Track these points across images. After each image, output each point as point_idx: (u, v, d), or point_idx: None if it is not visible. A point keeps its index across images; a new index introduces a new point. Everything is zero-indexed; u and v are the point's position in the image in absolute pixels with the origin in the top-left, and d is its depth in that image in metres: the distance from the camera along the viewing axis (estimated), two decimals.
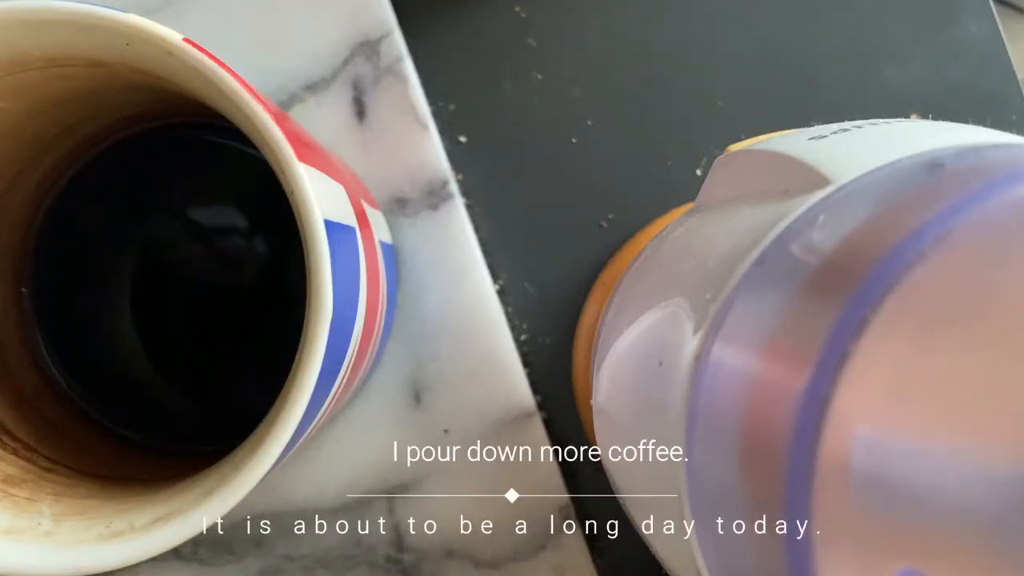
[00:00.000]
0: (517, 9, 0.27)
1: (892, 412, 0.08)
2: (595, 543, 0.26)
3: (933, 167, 0.10)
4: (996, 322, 0.08)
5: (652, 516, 0.13)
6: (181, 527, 0.15)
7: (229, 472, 0.15)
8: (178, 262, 0.22)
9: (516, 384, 0.26)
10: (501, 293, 0.27)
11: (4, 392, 0.21)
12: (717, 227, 0.14)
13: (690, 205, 0.22)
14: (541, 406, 0.26)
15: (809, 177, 0.12)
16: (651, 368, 0.13)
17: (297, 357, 0.15)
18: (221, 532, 0.25)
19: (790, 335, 0.10)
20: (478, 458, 0.26)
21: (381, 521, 0.26)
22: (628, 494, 0.15)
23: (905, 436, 0.08)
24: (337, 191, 0.17)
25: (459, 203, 0.26)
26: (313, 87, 0.26)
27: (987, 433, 0.08)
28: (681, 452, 0.11)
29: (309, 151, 0.16)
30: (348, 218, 0.17)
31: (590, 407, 0.17)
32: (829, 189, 0.11)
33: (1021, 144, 0.11)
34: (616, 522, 0.26)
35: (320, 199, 0.15)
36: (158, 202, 0.22)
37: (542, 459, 0.26)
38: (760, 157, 0.14)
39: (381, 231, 0.23)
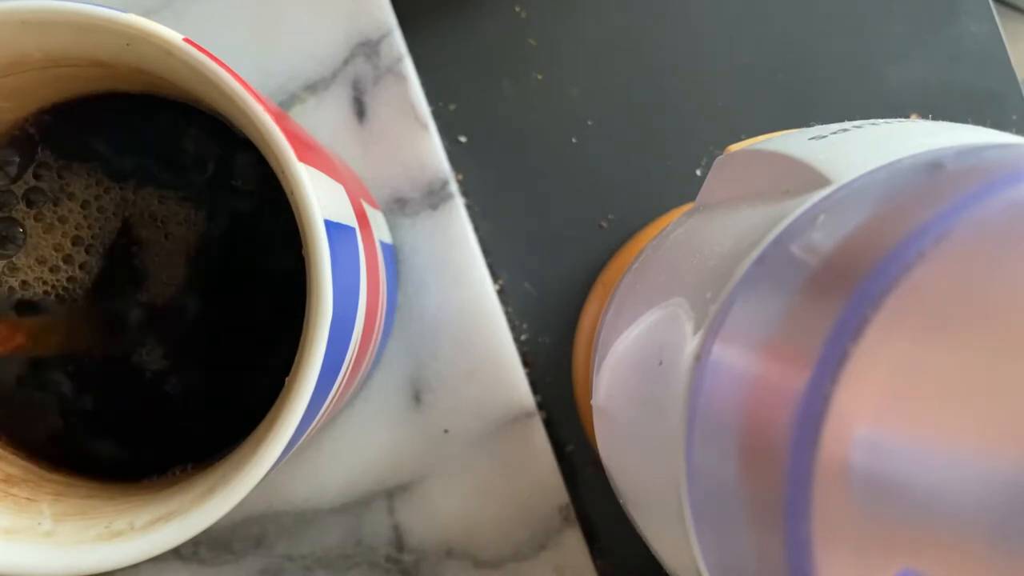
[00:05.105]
0: (517, 9, 0.27)
1: (892, 412, 0.08)
2: (595, 543, 0.26)
3: (933, 167, 0.10)
4: (996, 322, 0.08)
5: (652, 516, 0.13)
6: (181, 527, 0.15)
7: (229, 472, 0.15)
8: (176, 261, 0.22)
9: (516, 384, 0.26)
10: (501, 293, 0.27)
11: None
12: (717, 227, 0.14)
13: (690, 205, 0.22)
14: (541, 406, 0.26)
15: (809, 177, 0.12)
16: (651, 368, 0.13)
17: (297, 357, 0.15)
18: (221, 532, 0.25)
19: (790, 335, 0.10)
20: (478, 458, 0.26)
21: (381, 521, 0.26)
22: (628, 494, 0.15)
23: (905, 436, 0.08)
24: (337, 191, 0.17)
25: (459, 203, 0.26)
26: (313, 87, 0.26)
27: (987, 433, 0.08)
28: (681, 452, 0.11)
29: (309, 151, 0.16)
30: (348, 218, 0.17)
31: (590, 407, 0.17)
32: (829, 189, 0.11)
33: (1021, 144, 0.11)
34: (616, 522, 0.26)
35: (320, 199, 0.15)
36: (153, 199, 0.22)
37: (542, 459, 0.26)
38: (760, 157, 0.14)
39: (381, 231, 0.23)
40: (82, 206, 0.20)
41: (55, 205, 0.20)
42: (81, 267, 0.20)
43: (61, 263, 0.20)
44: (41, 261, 0.20)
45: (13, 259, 0.20)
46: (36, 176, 0.20)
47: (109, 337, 0.21)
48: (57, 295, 0.20)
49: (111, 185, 0.20)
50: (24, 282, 0.20)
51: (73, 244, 0.20)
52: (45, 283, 0.20)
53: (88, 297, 0.20)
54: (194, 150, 0.21)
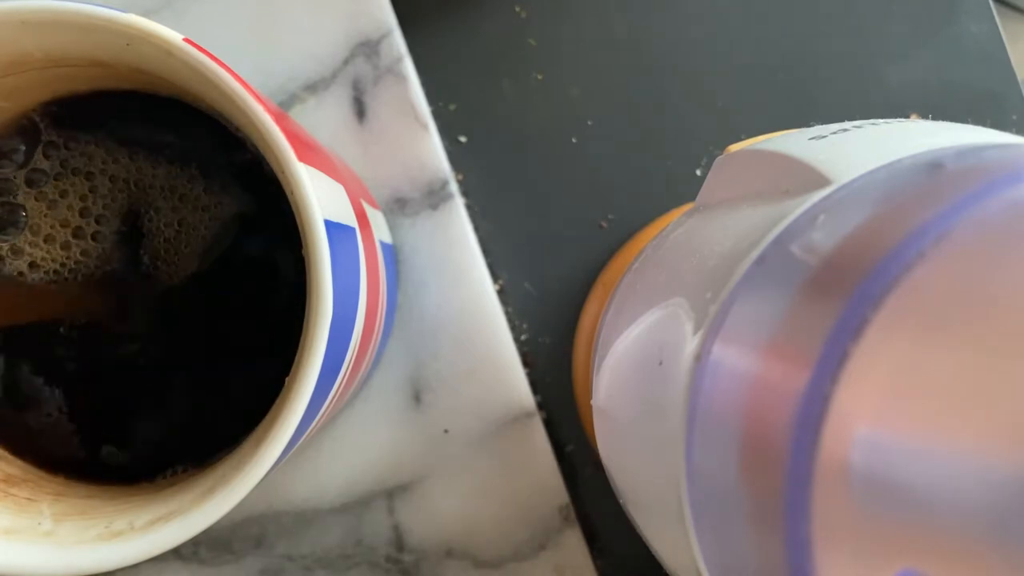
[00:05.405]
0: (517, 9, 0.27)
1: (892, 412, 0.08)
2: (595, 543, 0.26)
3: (933, 167, 0.10)
4: (996, 322, 0.08)
5: (652, 516, 0.13)
6: (181, 527, 0.15)
7: (229, 472, 0.15)
8: (175, 261, 0.22)
9: (516, 384, 0.26)
10: (501, 293, 0.27)
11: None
12: (717, 227, 0.14)
13: (690, 205, 0.22)
14: (541, 406, 0.26)
15: (809, 177, 0.12)
16: (651, 368, 0.13)
17: (297, 357, 0.15)
18: (221, 532, 0.25)
19: (790, 335, 0.10)
20: (478, 458, 0.26)
21: (381, 521, 0.26)
22: (628, 494, 0.15)
23: (905, 436, 0.08)
24: (337, 191, 0.17)
25: (459, 203, 0.26)
26: (313, 87, 0.26)
27: (987, 433, 0.08)
28: (681, 452, 0.11)
29: (309, 151, 0.16)
30: (348, 218, 0.17)
31: (590, 407, 0.17)
32: (829, 189, 0.11)
33: (1021, 144, 0.11)
34: (616, 522, 0.26)
35: (320, 199, 0.15)
36: (153, 199, 0.22)
37: (542, 459, 0.26)
38: (760, 157, 0.14)
39: (381, 231, 0.23)
40: (87, 177, 0.20)
41: (56, 180, 0.20)
42: (94, 238, 0.20)
43: (71, 238, 0.20)
44: (49, 240, 0.20)
45: (15, 242, 0.20)
46: (46, 156, 0.20)
47: (117, 320, 0.21)
48: (69, 270, 0.20)
49: (119, 156, 0.20)
50: (32, 263, 0.20)
51: (81, 215, 0.20)
52: (54, 260, 0.20)
53: (102, 267, 0.20)
54: (192, 149, 0.21)
